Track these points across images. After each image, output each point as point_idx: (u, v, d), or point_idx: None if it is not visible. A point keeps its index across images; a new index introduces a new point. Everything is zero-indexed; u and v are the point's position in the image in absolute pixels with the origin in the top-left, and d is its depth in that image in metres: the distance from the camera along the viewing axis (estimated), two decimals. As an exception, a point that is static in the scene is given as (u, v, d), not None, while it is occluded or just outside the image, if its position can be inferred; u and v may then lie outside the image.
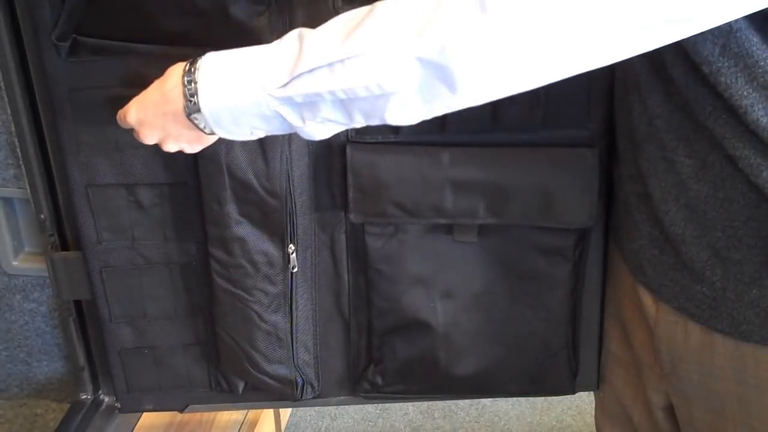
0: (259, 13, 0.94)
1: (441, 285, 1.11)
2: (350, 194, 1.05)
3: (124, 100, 1.02)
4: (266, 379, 1.15)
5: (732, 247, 0.81)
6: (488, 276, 1.11)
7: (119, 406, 1.25)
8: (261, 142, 1.01)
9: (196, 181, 1.05)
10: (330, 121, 0.76)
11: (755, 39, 0.71)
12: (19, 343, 1.44)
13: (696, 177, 0.81)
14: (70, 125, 1.05)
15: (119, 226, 1.11)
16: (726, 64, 0.72)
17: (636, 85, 0.86)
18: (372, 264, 1.10)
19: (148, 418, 1.49)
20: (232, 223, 1.05)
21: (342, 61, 0.71)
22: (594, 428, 1.21)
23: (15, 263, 1.36)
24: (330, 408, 2.02)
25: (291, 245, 1.07)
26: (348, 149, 1.04)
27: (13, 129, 1.18)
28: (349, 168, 1.04)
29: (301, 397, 1.19)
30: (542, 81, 0.70)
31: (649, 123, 0.85)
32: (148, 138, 0.88)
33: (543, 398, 1.96)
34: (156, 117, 0.86)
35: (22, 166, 1.20)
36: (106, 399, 1.37)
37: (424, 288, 1.11)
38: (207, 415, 1.56)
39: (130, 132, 1.04)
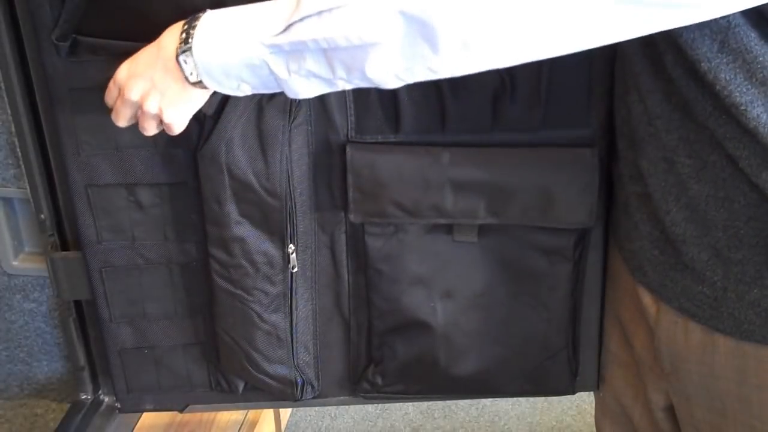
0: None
1: (441, 285, 1.11)
2: (350, 194, 1.05)
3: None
4: (266, 379, 1.15)
5: (733, 246, 0.81)
6: (488, 276, 1.11)
7: (119, 406, 1.25)
8: (261, 142, 1.01)
9: (196, 181, 1.05)
10: (314, 75, 0.77)
11: (753, 35, 0.71)
12: (19, 343, 1.44)
13: (696, 177, 0.81)
14: (70, 125, 1.05)
15: (119, 226, 1.11)
16: (725, 60, 0.72)
17: (636, 86, 0.86)
18: (372, 264, 1.10)
19: (148, 418, 1.49)
20: (232, 223, 1.05)
21: (330, 10, 0.73)
22: (594, 428, 1.21)
23: (15, 263, 1.36)
24: (330, 408, 2.02)
25: (291, 245, 1.07)
26: (348, 149, 1.04)
27: (13, 129, 1.18)
28: (349, 168, 1.04)
29: (301, 397, 1.19)
30: (529, 55, 0.70)
31: (648, 123, 0.85)
32: (133, 92, 0.88)
33: (543, 398, 1.96)
34: (146, 66, 0.87)
35: (22, 166, 1.20)
36: (106, 399, 1.37)
37: (424, 288, 1.11)
38: (207, 415, 1.56)
39: (130, 132, 1.05)
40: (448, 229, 1.08)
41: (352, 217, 1.07)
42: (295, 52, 0.76)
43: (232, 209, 1.04)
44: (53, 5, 0.98)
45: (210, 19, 0.82)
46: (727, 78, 0.73)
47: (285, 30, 0.76)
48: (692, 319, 0.87)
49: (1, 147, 1.24)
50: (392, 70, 0.73)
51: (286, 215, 1.05)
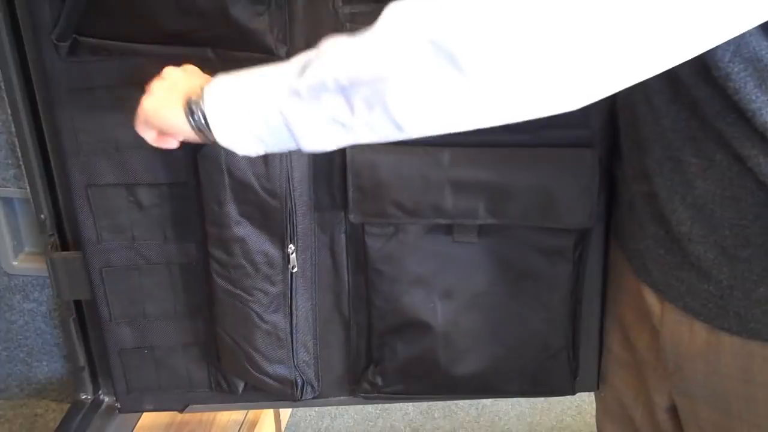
0: (258, 13, 0.94)
1: (441, 285, 1.11)
2: (350, 194, 1.05)
3: (124, 100, 1.03)
4: (266, 379, 1.15)
5: (739, 245, 0.81)
6: (488, 276, 1.11)
7: (119, 406, 1.25)
8: (261, 142, 1.01)
9: (196, 181, 1.05)
10: (333, 119, 0.71)
11: (765, 44, 0.71)
12: (19, 343, 1.44)
13: (703, 176, 0.81)
14: (70, 125, 1.05)
15: (119, 226, 1.11)
16: (736, 68, 0.72)
17: (641, 85, 0.86)
18: (372, 264, 1.10)
19: (148, 418, 1.49)
20: (232, 224, 1.05)
21: (344, 42, 0.69)
22: (594, 428, 1.21)
23: (15, 263, 1.36)
24: (330, 408, 2.02)
25: (291, 245, 1.07)
26: (348, 149, 1.04)
27: (13, 129, 1.18)
28: (349, 168, 1.04)
29: (301, 397, 1.19)
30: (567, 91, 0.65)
31: (655, 123, 0.85)
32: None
33: (543, 398, 1.96)
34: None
35: (22, 166, 1.20)
36: (106, 399, 1.38)
37: (424, 288, 1.11)
38: (207, 415, 1.56)
39: (130, 132, 1.04)
40: (448, 229, 1.08)
41: (352, 217, 1.07)
42: (313, 96, 0.71)
43: (232, 209, 1.04)
44: (53, 5, 0.98)
45: (220, 83, 0.78)
46: (737, 86, 0.73)
47: (302, 72, 0.71)
48: (697, 319, 0.87)
49: (1, 147, 1.24)
50: (415, 102, 0.67)
51: (286, 215, 1.05)
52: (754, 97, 0.72)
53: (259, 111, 0.74)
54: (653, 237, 0.91)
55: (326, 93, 0.70)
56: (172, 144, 0.88)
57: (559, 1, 0.58)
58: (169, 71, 0.86)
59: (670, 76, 0.80)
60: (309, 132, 0.73)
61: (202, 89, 0.78)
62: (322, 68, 0.70)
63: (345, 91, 0.69)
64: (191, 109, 0.78)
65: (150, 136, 0.88)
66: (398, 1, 0.67)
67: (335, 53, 0.69)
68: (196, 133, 0.80)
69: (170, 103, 0.82)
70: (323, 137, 0.73)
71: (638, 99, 0.88)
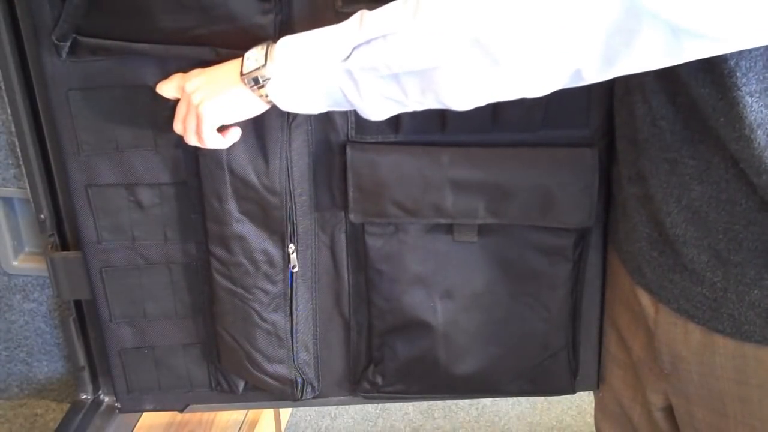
0: (261, 11, 0.94)
1: (441, 285, 1.11)
2: (350, 194, 1.05)
3: (124, 100, 1.03)
4: (266, 378, 1.15)
5: (733, 249, 0.81)
6: (488, 276, 1.11)
7: (119, 406, 1.25)
8: (261, 140, 1.01)
9: (196, 181, 1.05)
10: (387, 98, 0.80)
11: None
12: (19, 343, 1.44)
13: (699, 178, 0.81)
14: (70, 125, 1.05)
15: (119, 226, 1.11)
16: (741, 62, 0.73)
17: (640, 86, 0.86)
18: (372, 264, 1.10)
19: (148, 418, 1.49)
20: (233, 221, 1.05)
21: (395, 33, 0.75)
22: (594, 428, 1.21)
23: (15, 263, 1.36)
24: (330, 408, 2.02)
25: (291, 245, 1.07)
26: (348, 149, 1.04)
27: (13, 129, 1.18)
28: (349, 168, 1.04)
29: (301, 396, 1.19)
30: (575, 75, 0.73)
31: (653, 124, 0.85)
32: (190, 83, 0.93)
33: (543, 398, 1.96)
34: (213, 74, 0.92)
35: (22, 166, 1.20)
36: (106, 399, 1.38)
37: (424, 288, 1.11)
38: (207, 415, 1.56)
39: (130, 132, 1.05)
40: (448, 228, 1.08)
41: (352, 216, 1.07)
42: (367, 76, 0.78)
43: (232, 206, 1.04)
44: (53, 5, 0.98)
45: (284, 49, 0.84)
46: (739, 83, 0.73)
47: (351, 53, 0.78)
48: (691, 320, 0.87)
49: (1, 147, 1.24)
50: (464, 91, 0.76)
51: (286, 214, 1.05)
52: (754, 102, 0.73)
53: (321, 85, 0.82)
54: (647, 239, 0.91)
55: (380, 78, 0.78)
56: (234, 137, 0.96)
57: (558, 13, 0.69)
58: (190, 84, 0.92)
59: (670, 76, 0.80)
60: (367, 106, 0.82)
61: (266, 59, 0.85)
62: (374, 55, 0.77)
63: (398, 78, 0.78)
64: (257, 82, 0.86)
65: (210, 138, 0.93)
66: None
67: (385, 43, 0.76)
68: (264, 103, 0.88)
69: (225, 87, 0.89)
70: (380, 110, 0.82)
71: (636, 99, 0.88)
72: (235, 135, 0.96)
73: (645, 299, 0.94)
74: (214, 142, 0.93)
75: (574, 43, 0.69)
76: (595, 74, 0.72)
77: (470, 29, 0.71)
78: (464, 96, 0.77)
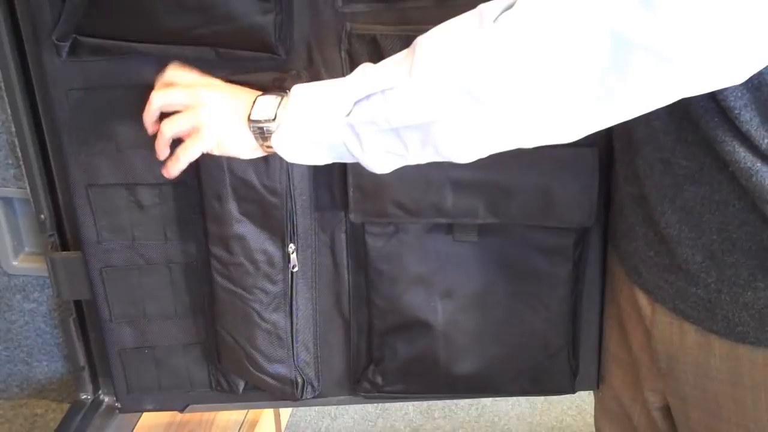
0: (261, 11, 0.94)
1: (441, 285, 1.11)
2: (350, 194, 1.05)
3: (124, 100, 1.03)
4: (266, 378, 1.15)
5: (726, 250, 0.81)
6: (488, 276, 1.11)
7: (119, 406, 1.25)
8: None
9: (197, 180, 1.05)
10: (389, 152, 0.80)
11: None
12: (19, 343, 1.44)
13: (693, 179, 0.81)
14: (70, 125, 1.05)
15: (119, 226, 1.11)
16: None
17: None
18: (372, 264, 1.10)
19: (148, 418, 1.49)
20: (233, 221, 1.05)
21: (392, 88, 0.76)
22: (594, 428, 1.22)
23: (15, 263, 1.36)
24: (330, 408, 2.02)
25: (291, 245, 1.07)
26: None
27: (13, 129, 1.18)
28: (349, 168, 1.04)
29: (301, 396, 1.19)
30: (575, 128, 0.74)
31: (646, 124, 0.85)
32: (188, 95, 0.90)
33: (543, 398, 1.96)
34: (220, 98, 0.90)
35: (22, 166, 1.20)
36: (106, 399, 1.38)
37: (424, 288, 1.11)
38: (207, 415, 1.56)
39: (130, 132, 1.05)
40: (449, 228, 1.08)
41: (352, 216, 1.07)
42: (367, 131, 0.79)
43: (232, 207, 1.04)
44: (53, 5, 0.98)
45: (293, 104, 0.84)
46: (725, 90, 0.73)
47: (353, 109, 0.79)
48: (687, 321, 0.88)
49: (1, 147, 1.24)
50: (465, 145, 0.77)
51: (286, 214, 1.05)
52: (739, 94, 0.72)
53: (325, 140, 0.82)
54: (643, 239, 0.91)
55: (381, 132, 0.79)
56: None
57: (546, 60, 0.68)
58: (205, 95, 0.89)
59: None
60: (371, 160, 0.82)
61: (276, 112, 0.85)
62: (374, 110, 0.78)
63: (398, 132, 0.78)
64: (262, 132, 0.86)
65: (190, 160, 0.91)
66: (426, 38, 0.76)
67: (384, 98, 0.77)
68: (264, 151, 0.88)
69: (233, 122, 0.88)
70: (383, 163, 0.82)
71: None
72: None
73: (642, 299, 0.95)
74: (185, 163, 0.90)
75: (565, 88, 0.69)
76: (598, 119, 0.72)
77: (462, 81, 0.72)
78: (463, 148, 0.77)
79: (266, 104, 0.86)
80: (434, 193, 1.04)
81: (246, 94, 0.89)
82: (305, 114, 0.83)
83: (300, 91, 0.85)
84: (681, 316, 0.88)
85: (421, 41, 0.76)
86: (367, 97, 0.78)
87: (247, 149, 0.88)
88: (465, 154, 0.78)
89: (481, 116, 0.73)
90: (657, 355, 0.94)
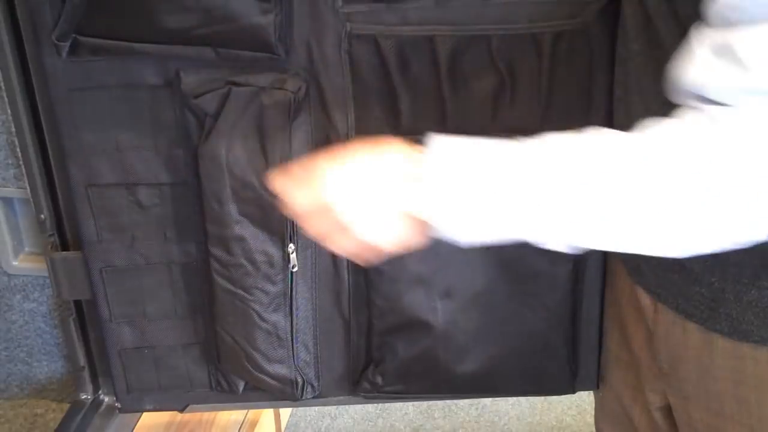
0: (261, 11, 0.94)
1: (441, 285, 1.11)
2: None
3: (124, 100, 1.03)
4: (266, 378, 1.15)
5: (731, 250, 0.81)
6: (488, 275, 1.11)
7: (119, 406, 1.25)
8: (261, 140, 1.01)
9: (196, 181, 1.05)
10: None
11: None
12: (19, 343, 1.44)
13: None
14: (70, 125, 1.05)
15: (119, 226, 1.11)
16: None
17: (638, 88, 0.86)
18: (372, 263, 1.10)
19: (148, 418, 1.49)
20: (233, 222, 1.05)
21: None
22: (594, 428, 1.21)
23: (15, 263, 1.36)
24: (330, 408, 2.02)
25: (291, 245, 1.07)
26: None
27: (13, 129, 1.18)
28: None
29: (301, 396, 1.19)
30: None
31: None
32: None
33: (543, 398, 1.96)
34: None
35: (22, 166, 1.20)
36: (106, 399, 1.38)
37: (424, 288, 1.11)
38: (207, 415, 1.56)
39: (130, 132, 1.05)
40: None
41: None
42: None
43: (232, 208, 1.04)
44: (53, 5, 0.98)
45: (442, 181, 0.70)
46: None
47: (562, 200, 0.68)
48: (690, 320, 0.88)
49: (1, 147, 1.24)
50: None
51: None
52: None
53: (497, 232, 0.70)
54: None
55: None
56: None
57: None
58: (352, 157, 0.73)
59: (666, 81, 0.80)
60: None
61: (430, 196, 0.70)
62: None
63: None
64: (419, 208, 0.70)
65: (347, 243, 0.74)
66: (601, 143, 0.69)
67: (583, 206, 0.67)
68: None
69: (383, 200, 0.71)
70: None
71: (633, 100, 0.88)
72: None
73: (644, 299, 0.95)
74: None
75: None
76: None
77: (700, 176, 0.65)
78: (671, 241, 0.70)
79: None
80: None
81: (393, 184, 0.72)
82: (474, 198, 0.69)
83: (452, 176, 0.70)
84: (684, 315, 0.88)
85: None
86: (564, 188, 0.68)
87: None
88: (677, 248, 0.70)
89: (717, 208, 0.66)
90: (659, 354, 0.94)
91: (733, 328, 0.83)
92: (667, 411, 1.00)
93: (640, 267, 0.93)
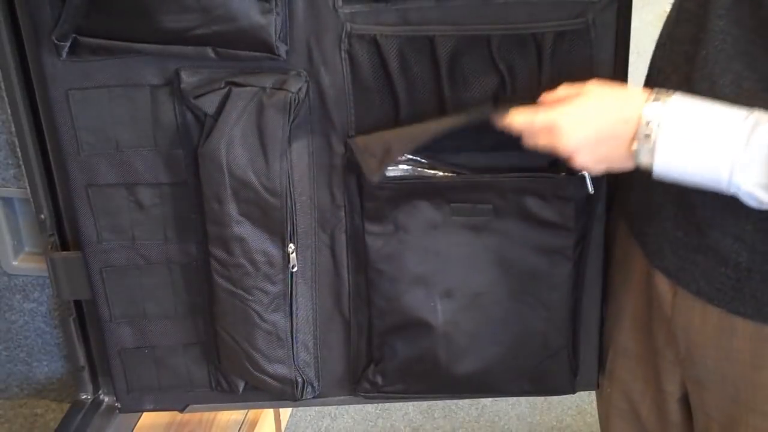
0: (261, 11, 0.94)
1: (441, 284, 1.11)
2: (350, 194, 1.05)
3: (124, 100, 1.03)
4: (266, 378, 1.15)
5: (759, 240, 0.81)
6: (488, 275, 1.11)
7: (119, 406, 1.25)
8: (261, 140, 1.01)
9: (196, 181, 1.05)
10: None
11: None
12: (19, 343, 1.44)
13: None
14: (70, 125, 1.05)
15: (119, 226, 1.11)
16: None
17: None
18: (372, 264, 1.10)
19: (148, 418, 1.49)
20: (232, 222, 1.05)
21: None
22: (594, 428, 1.21)
23: (15, 263, 1.36)
24: (330, 408, 2.02)
25: (291, 245, 1.07)
26: (348, 149, 1.04)
27: (13, 129, 1.18)
28: (349, 168, 1.04)
29: (301, 396, 1.19)
30: None
31: None
32: (581, 160, 0.86)
33: (543, 398, 1.96)
34: (597, 147, 0.85)
35: (22, 166, 1.20)
36: (106, 399, 1.38)
37: (424, 287, 1.11)
38: (207, 415, 1.56)
39: (131, 132, 1.05)
40: (448, 209, 1.06)
41: (352, 216, 1.06)
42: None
43: (232, 208, 1.04)
44: (53, 5, 0.98)
45: (671, 130, 0.79)
46: None
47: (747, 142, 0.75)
48: (710, 303, 0.88)
49: (1, 147, 1.24)
50: None
51: (286, 214, 1.05)
52: None
53: (709, 173, 0.78)
54: (672, 219, 0.91)
55: None
56: None
57: None
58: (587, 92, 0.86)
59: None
60: (750, 199, 0.77)
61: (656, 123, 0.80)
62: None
63: None
64: (641, 146, 0.80)
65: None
66: None
67: None
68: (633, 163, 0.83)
69: (610, 151, 0.84)
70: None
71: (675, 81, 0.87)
72: None
73: (663, 284, 0.95)
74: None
75: None
76: None
77: None
78: None
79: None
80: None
81: (621, 121, 0.84)
82: (691, 138, 0.79)
83: (677, 117, 0.80)
84: (704, 298, 0.88)
85: None
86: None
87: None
88: None
89: None
90: (677, 339, 0.94)
91: (756, 309, 0.84)
92: (684, 402, 1.00)
93: (663, 249, 0.93)
